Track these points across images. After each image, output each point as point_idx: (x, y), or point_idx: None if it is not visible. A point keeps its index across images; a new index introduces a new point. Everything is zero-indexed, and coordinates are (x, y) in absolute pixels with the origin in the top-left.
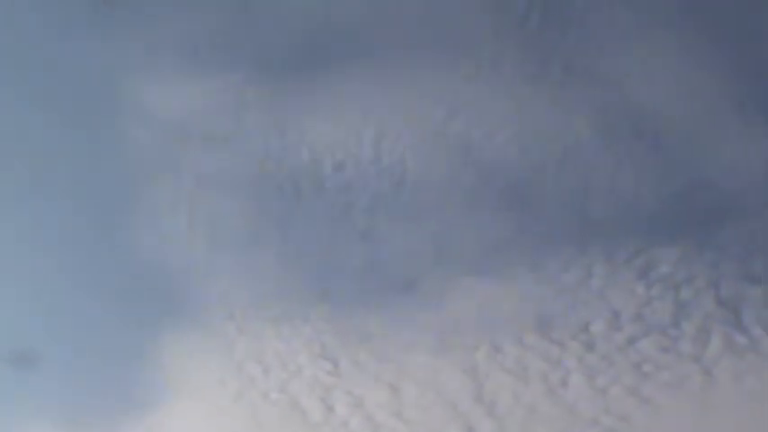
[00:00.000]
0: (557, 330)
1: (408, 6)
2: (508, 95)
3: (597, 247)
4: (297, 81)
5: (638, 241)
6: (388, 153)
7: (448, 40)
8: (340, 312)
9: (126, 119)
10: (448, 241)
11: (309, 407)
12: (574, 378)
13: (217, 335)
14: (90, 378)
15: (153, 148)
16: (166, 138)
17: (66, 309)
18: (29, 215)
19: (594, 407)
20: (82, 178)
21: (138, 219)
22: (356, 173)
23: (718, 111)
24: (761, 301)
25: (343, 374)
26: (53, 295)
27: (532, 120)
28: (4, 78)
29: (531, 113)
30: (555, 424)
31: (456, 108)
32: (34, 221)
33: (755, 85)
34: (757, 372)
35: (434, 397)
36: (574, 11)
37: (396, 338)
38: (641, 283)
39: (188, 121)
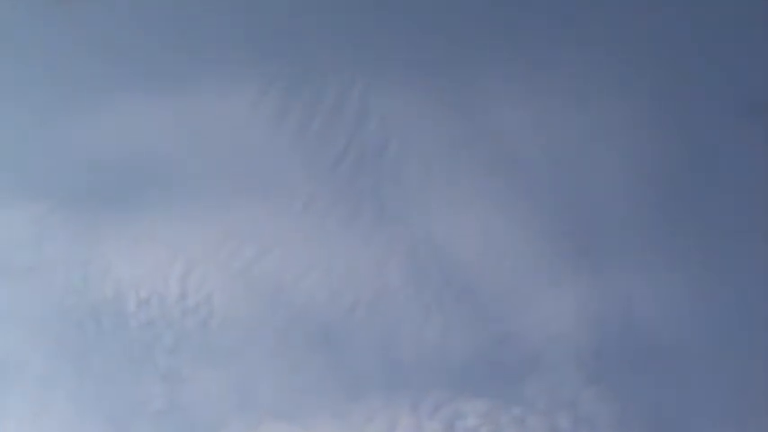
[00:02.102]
0: None
1: (219, 141)
2: (320, 237)
3: (404, 397)
4: (101, 213)
5: (446, 392)
6: (195, 291)
7: (259, 178)
8: None
9: None
10: (253, 385)
11: None
12: None
13: None
14: None
15: None
16: None
17: None
18: None
19: None
20: None
21: None
22: (161, 310)
23: (527, 265)
24: None
25: None
26: None
27: (343, 263)
28: None
29: (341, 256)
30: None
31: (266, 248)
32: None
33: (562, 242)
34: None
35: None
36: (388, 155)
37: None
38: None
39: None
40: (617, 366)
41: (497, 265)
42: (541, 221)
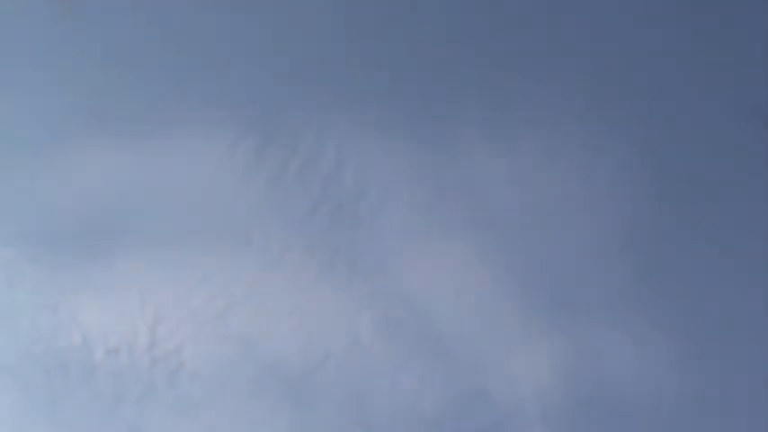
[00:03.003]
0: None
1: (193, 189)
2: (292, 289)
3: None
4: (71, 259)
5: None
6: (165, 341)
7: (233, 227)
8: None
9: None
10: None
11: None
12: None
13: None
14: None
15: None
16: None
17: None
18: None
19: None
20: None
21: None
22: (129, 360)
23: (501, 321)
24: None
25: None
26: None
27: (316, 315)
28: None
29: (314, 309)
30: None
31: (238, 298)
32: None
33: (538, 298)
34: None
35: None
36: (364, 207)
37: None
38: None
39: None
40: (590, 427)
41: (472, 321)
42: (517, 277)
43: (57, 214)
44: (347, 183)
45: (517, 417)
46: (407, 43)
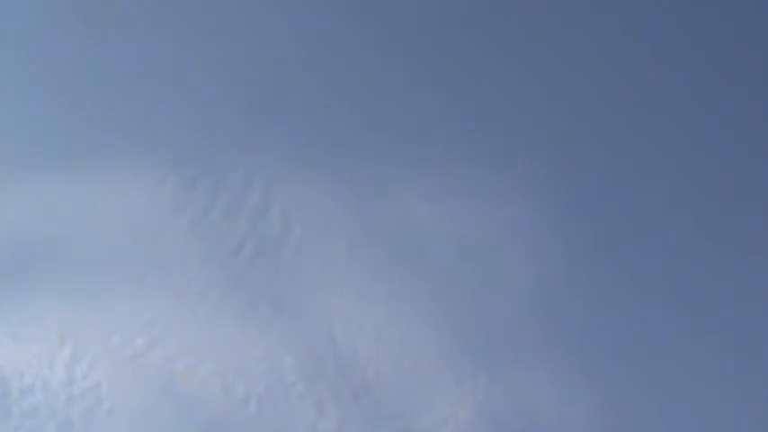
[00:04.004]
0: None
1: (115, 224)
2: (214, 328)
3: None
4: None
5: None
6: (83, 378)
7: (155, 264)
8: None
9: None
10: None
11: None
12: None
13: None
14: None
15: None
16: None
17: None
18: None
19: None
20: None
21: None
22: (45, 397)
23: (426, 363)
24: None
25: None
26: None
27: (237, 355)
28: None
29: (236, 348)
30: None
31: (159, 336)
32: None
33: (464, 340)
34: None
35: None
36: (288, 247)
37: None
38: None
39: None
40: None
41: (396, 363)
42: (443, 319)
43: None
44: (273, 221)
45: None
46: (334, 84)
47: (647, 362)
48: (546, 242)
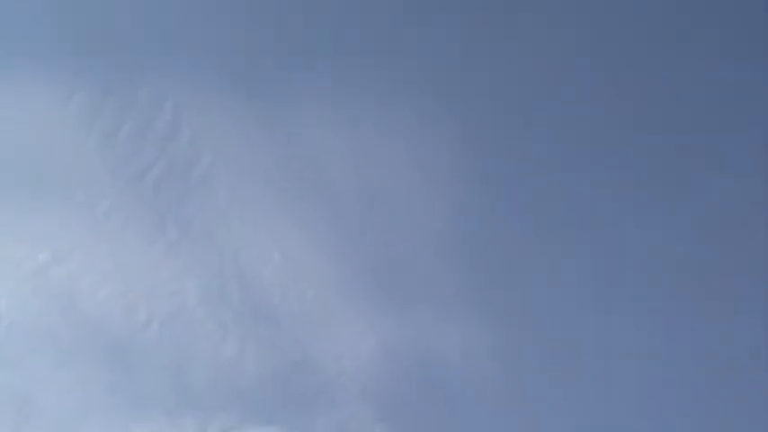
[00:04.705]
0: None
1: (17, 143)
2: (119, 248)
3: (191, 419)
4: None
5: (235, 417)
6: None
7: (60, 181)
8: None
9: None
10: (34, 398)
11: None
12: None
13: None
14: None
15: None
16: None
17: None
18: None
19: None
20: None
21: None
22: None
23: (329, 294)
24: None
25: None
26: None
27: (141, 277)
28: None
29: (140, 270)
30: None
31: (62, 254)
32: None
33: (368, 274)
34: None
35: None
36: (197, 171)
37: None
38: None
39: None
40: (409, 405)
41: (299, 292)
42: (349, 252)
43: None
44: (182, 145)
45: (338, 391)
46: (252, 13)
47: (547, 304)
48: (455, 182)
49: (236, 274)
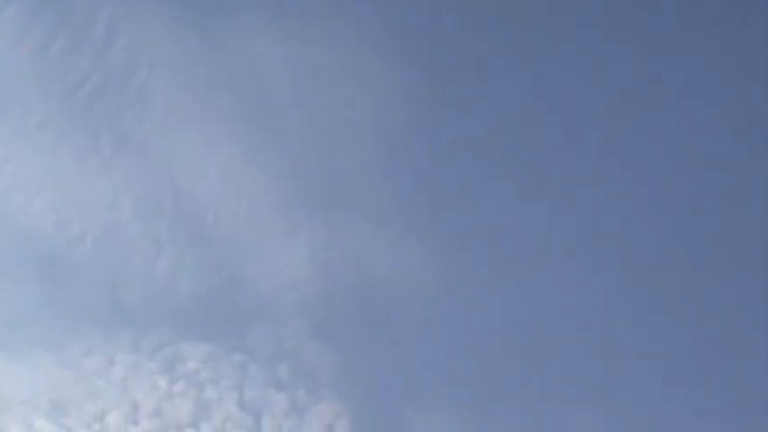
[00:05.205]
0: (71, 417)
1: None
2: (52, 161)
3: (124, 335)
4: None
5: (167, 333)
6: None
7: None
8: None
9: None
10: None
11: None
12: None
13: None
14: None
15: None
16: None
17: None
18: None
19: None
20: None
21: None
22: None
23: (264, 211)
24: (282, 409)
25: None
26: None
27: (75, 191)
28: None
29: (74, 184)
30: None
31: None
32: None
33: (302, 192)
34: None
35: None
36: (133, 85)
37: None
38: (165, 378)
39: None
40: (344, 321)
41: (235, 209)
42: (284, 169)
43: None
44: (118, 58)
45: (272, 308)
46: None
47: (481, 220)
48: (394, 95)
49: (172, 191)
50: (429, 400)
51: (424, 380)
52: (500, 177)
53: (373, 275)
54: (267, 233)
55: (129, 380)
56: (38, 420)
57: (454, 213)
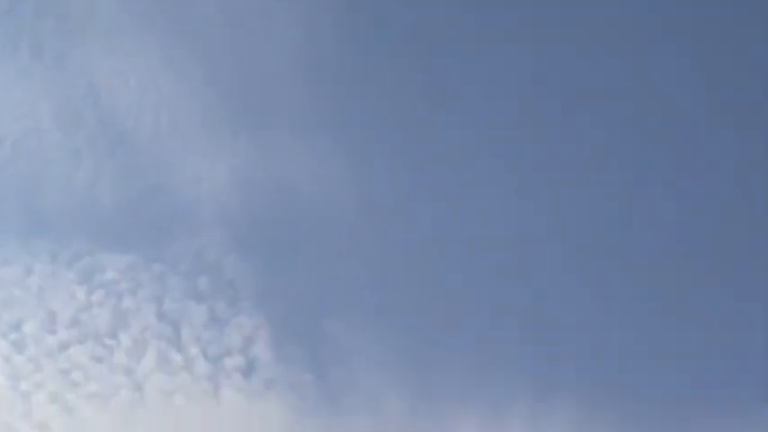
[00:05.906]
0: None
1: None
2: None
3: (41, 243)
4: None
5: (86, 243)
6: None
7: None
8: None
9: None
10: None
11: None
12: None
13: None
14: None
15: None
16: None
17: None
18: None
19: (14, 412)
20: None
21: None
22: None
23: (186, 120)
24: (201, 320)
25: None
26: None
27: None
28: None
29: None
30: None
31: None
32: None
33: (225, 101)
34: (188, 391)
35: None
36: None
37: None
38: (83, 288)
39: None
40: (265, 234)
41: (155, 118)
42: (206, 78)
43: None
44: None
45: (193, 215)
46: None
47: (403, 138)
48: (320, 8)
49: (92, 98)
50: (347, 312)
51: (343, 293)
52: (427, 92)
53: (295, 189)
54: (189, 144)
55: (47, 289)
56: None
57: (379, 131)
